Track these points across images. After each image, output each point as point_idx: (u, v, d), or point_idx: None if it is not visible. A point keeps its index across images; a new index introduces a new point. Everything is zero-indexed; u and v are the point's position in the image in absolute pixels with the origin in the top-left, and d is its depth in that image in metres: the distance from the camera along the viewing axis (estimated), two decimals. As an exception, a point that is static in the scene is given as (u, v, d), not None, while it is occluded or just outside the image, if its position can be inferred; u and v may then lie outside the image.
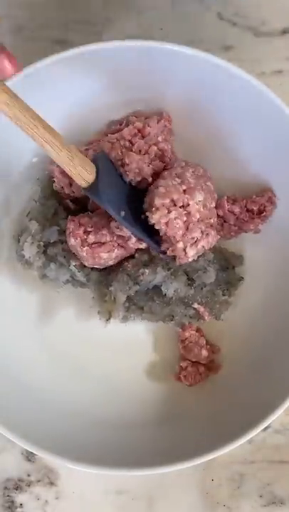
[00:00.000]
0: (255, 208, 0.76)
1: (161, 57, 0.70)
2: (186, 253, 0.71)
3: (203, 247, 0.72)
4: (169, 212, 0.69)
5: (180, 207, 0.70)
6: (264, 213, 0.76)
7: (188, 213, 0.70)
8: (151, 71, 0.72)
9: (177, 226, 0.70)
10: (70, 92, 0.73)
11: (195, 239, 0.71)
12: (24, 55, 0.71)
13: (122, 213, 0.70)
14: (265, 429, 0.79)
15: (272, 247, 0.78)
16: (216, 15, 0.85)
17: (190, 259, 0.72)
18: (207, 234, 0.71)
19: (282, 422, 0.81)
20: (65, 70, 0.70)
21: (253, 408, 0.70)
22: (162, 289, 0.74)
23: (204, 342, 0.79)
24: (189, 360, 0.79)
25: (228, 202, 0.77)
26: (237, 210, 0.76)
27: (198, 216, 0.70)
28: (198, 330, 0.80)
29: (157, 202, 0.69)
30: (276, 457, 0.80)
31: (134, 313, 0.77)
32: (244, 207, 0.76)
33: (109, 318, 0.77)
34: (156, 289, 0.76)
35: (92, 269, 0.76)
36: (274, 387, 0.71)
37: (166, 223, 0.70)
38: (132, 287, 0.74)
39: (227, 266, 0.79)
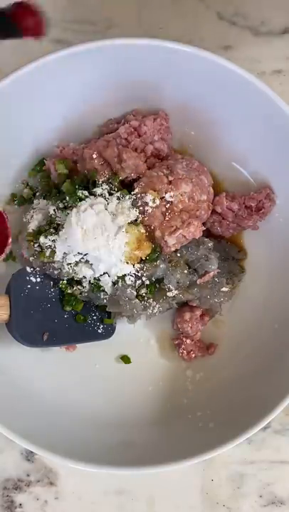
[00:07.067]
0: (253, 205, 0.75)
1: (161, 55, 0.70)
2: (166, 242, 0.72)
3: (183, 236, 0.72)
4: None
5: (161, 197, 0.71)
6: (262, 210, 0.75)
7: (171, 203, 0.71)
8: (151, 70, 0.72)
9: (154, 216, 0.71)
10: (68, 90, 0.73)
11: (174, 227, 0.71)
12: (24, 55, 0.71)
13: (45, 337, 0.73)
14: (265, 429, 0.79)
15: (272, 244, 0.78)
16: (216, 14, 0.86)
17: (172, 249, 0.72)
18: (189, 223, 0.72)
19: (281, 422, 0.80)
20: (64, 68, 0.70)
21: (253, 407, 0.70)
22: (165, 282, 0.74)
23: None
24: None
25: (226, 199, 0.76)
26: (235, 207, 0.76)
27: (180, 207, 0.71)
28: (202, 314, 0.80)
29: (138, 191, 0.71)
30: (276, 457, 0.80)
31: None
32: (242, 204, 0.76)
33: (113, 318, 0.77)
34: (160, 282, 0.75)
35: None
36: (273, 387, 0.71)
37: (143, 212, 0.71)
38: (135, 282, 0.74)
39: (227, 257, 0.79)
